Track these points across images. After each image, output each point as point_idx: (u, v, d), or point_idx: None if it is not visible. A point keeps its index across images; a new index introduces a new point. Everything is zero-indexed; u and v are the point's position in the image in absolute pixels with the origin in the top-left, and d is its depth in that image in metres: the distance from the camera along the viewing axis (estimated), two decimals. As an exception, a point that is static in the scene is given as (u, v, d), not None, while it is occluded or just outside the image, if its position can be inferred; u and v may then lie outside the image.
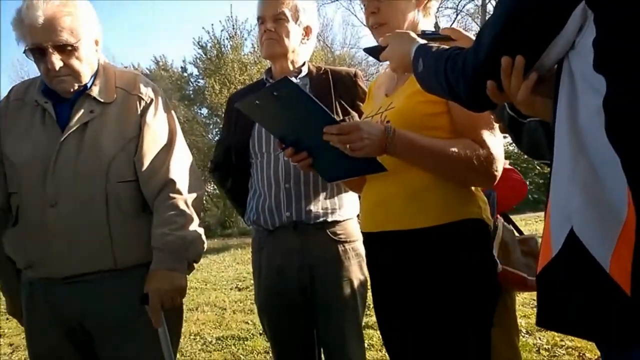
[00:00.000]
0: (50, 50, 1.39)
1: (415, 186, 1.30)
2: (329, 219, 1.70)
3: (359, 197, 1.69)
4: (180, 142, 1.59)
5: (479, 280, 1.30)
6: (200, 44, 16.37)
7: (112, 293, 1.45)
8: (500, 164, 1.30)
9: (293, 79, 1.78)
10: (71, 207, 1.42)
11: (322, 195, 1.70)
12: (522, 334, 3.12)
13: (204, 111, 19.29)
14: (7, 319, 5.18)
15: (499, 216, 1.91)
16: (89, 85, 1.50)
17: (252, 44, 15.82)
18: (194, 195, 1.54)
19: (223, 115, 2.12)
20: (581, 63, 0.77)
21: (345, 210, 1.74)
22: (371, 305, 3.92)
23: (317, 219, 1.68)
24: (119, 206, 1.46)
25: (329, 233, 1.70)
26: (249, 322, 4.33)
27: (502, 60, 0.84)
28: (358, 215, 1.77)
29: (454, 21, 18.62)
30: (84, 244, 1.42)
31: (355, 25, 22.35)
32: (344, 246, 1.72)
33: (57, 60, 1.40)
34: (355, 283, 1.72)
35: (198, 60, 17.40)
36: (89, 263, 1.44)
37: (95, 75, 1.52)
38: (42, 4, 1.37)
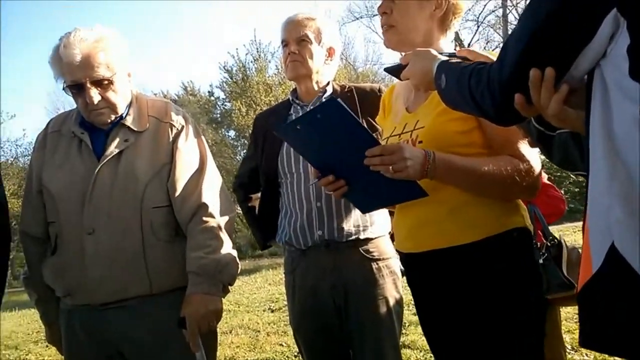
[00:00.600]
0: (88, 85, 1.45)
1: (456, 202, 1.28)
2: (361, 237, 1.69)
3: (389, 212, 1.68)
4: (211, 166, 1.62)
5: (529, 289, 1.29)
6: (225, 68, 16.83)
7: (149, 318, 1.47)
8: (540, 174, 1.30)
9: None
10: (108, 234, 1.45)
11: (353, 213, 1.70)
12: (568, 350, 3.00)
13: (232, 133, 19.68)
14: (47, 346, 5.31)
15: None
16: (123, 115, 1.54)
17: (276, 66, 16.13)
18: (226, 218, 1.57)
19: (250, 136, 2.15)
20: (614, 71, 0.75)
21: (377, 227, 1.73)
22: (407, 324, 3.85)
23: (349, 237, 1.68)
24: (154, 232, 1.49)
25: (361, 251, 1.69)
26: (284, 344, 4.31)
27: (530, 73, 0.82)
28: (390, 233, 1.76)
29: (475, 32, 18.53)
30: (120, 270, 1.45)
31: (377, 42, 22.48)
32: (377, 264, 1.70)
33: (95, 95, 1.46)
34: (391, 301, 1.69)
35: (224, 84, 17.85)
36: (126, 289, 1.46)
37: (129, 106, 1.57)
38: (78, 42, 1.43)
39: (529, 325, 1.27)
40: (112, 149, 1.50)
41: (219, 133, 19.44)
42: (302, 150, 1.40)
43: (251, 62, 16.23)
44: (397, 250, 1.53)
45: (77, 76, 1.44)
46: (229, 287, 1.53)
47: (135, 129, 1.54)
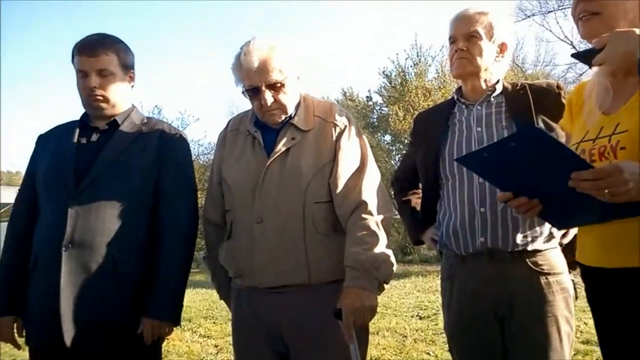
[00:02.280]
0: (263, 88, 1.58)
1: None
2: (529, 248, 1.56)
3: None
4: (371, 165, 1.65)
5: None
6: (385, 73, 17.01)
7: (307, 306, 1.54)
8: None
9: (492, 98, 1.69)
10: (274, 224, 1.56)
11: (521, 222, 1.56)
12: None
13: (387, 138, 19.84)
14: (214, 322, 5.92)
15: None
16: (292, 115, 1.65)
17: (436, 70, 15.85)
18: (384, 216, 1.58)
19: (406, 141, 2.16)
20: None
21: (548, 239, 1.58)
22: (574, 353, 3.46)
23: (515, 247, 1.56)
24: (314, 225, 1.57)
25: (529, 263, 1.56)
26: (431, 353, 4.20)
27: None
28: (561, 244, 1.60)
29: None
30: (283, 258, 1.55)
31: (550, 41, 20.65)
32: (547, 278, 1.55)
33: (269, 97, 1.58)
34: (561, 322, 1.53)
35: (382, 89, 18.05)
36: (287, 276, 1.56)
37: (297, 106, 1.67)
38: (256, 50, 1.56)
39: None
40: (281, 146, 1.61)
41: (375, 137, 19.69)
42: (488, 176, 1.34)
43: (411, 66, 16.19)
44: (578, 264, 1.36)
45: (254, 80, 1.57)
46: (385, 285, 1.54)
47: (302, 128, 1.63)
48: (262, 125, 1.68)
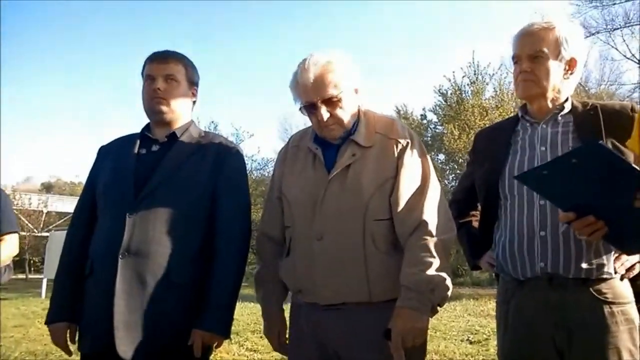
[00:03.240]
0: (319, 104, 1.59)
1: None
2: (593, 276, 1.49)
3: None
4: (434, 184, 1.63)
5: None
6: (440, 91, 16.86)
7: (366, 325, 1.54)
8: None
9: (559, 117, 1.63)
10: (334, 241, 1.57)
11: (585, 249, 1.49)
12: None
13: (441, 157, 19.54)
14: (261, 337, 5.96)
15: None
16: (352, 131, 1.66)
17: (494, 88, 15.55)
18: (445, 237, 1.56)
19: (460, 160, 2.12)
20: None
21: (613, 267, 1.50)
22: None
23: (578, 274, 1.50)
24: (374, 243, 1.56)
25: (592, 291, 1.49)
26: (482, 379, 4.07)
27: None
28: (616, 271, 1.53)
29: None
30: (343, 276, 1.55)
31: (616, 60, 19.66)
32: (610, 308, 1.48)
33: (325, 112, 1.60)
34: (624, 354, 1.46)
35: (438, 107, 17.85)
36: (348, 294, 1.56)
37: (357, 122, 1.68)
38: (312, 66, 1.59)
39: None
40: (341, 162, 1.61)
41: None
42: (549, 195, 1.31)
43: (467, 84, 15.95)
44: None
45: (310, 96, 1.59)
46: (438, 308, 1.51)
47: (363, 145, 1.62)
48: (322, 142, 1.69)
